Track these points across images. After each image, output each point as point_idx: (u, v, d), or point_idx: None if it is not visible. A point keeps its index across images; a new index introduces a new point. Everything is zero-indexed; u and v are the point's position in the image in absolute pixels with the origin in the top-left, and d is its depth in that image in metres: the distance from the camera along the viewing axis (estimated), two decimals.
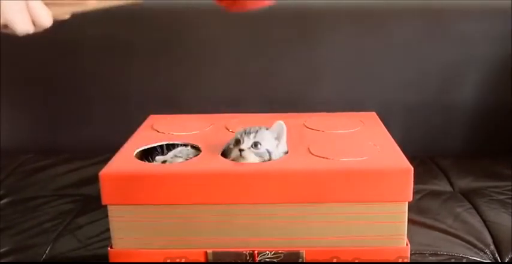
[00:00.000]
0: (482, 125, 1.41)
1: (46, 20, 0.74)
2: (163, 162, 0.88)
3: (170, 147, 0.93)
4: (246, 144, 0.85)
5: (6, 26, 0.71)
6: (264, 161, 0.85)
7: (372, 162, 0.83)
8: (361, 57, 1.40)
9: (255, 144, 0.85)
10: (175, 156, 0.89)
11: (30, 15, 0.72)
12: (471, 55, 1.38)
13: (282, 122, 0.88)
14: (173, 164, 0.87)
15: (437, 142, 1.43)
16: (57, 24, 0.76)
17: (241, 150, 0.84)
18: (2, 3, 0.70)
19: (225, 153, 0.88)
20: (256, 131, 0.87)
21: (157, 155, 0.91)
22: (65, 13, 0.77)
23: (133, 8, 1.42)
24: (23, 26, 0.71)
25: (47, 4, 0.74)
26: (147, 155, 0.92)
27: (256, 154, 0.85)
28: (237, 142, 0.86)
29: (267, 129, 0.88)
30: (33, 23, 0.73)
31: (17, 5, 0.71)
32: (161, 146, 0.93)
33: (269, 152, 0.85)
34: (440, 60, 1.39)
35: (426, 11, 1.38)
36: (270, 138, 0.87)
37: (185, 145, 0.92)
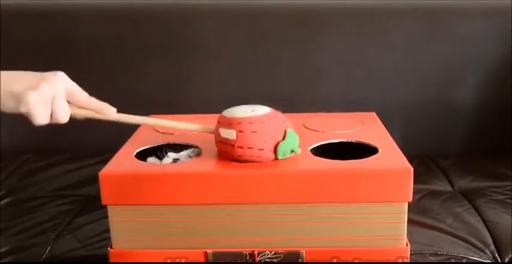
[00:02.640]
0: (482, 125, 1.41)
1: (64, 118, 0.77)
2: (175, 160, 0.88)
3: (170, 147, 0.93)
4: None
5: (24, 113, 0.74)
6: None
7: (371, 162, 0.83)
8: (361, 57, 1.40)
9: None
10: (189, 156, 0.89)
11: (52, 110, 0.75)
12: (471, 55, 1.38)
13: None
14: (173, 164, 0.87)
15: (437, 142, 1.43)
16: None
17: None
18: (31, 95, 0.72)
19: None
20: None
21: (158, 155, 0.91)
22: (83, 115, 0.81)
23: (133, 8, 1.43)
24: (41, 119, 0.74)
25: (69, 102, 0.78)
26: (147, 155, 0.92)
27: None
28: None
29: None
30: (51, 117, 0.76)
31: (44, 99, 0.74)
32: (161, 146, 0.93)
33: None
34: (440, 60, 1.39)
35: (426, 11, 1.38)
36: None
37: (196, 147, 0.93)
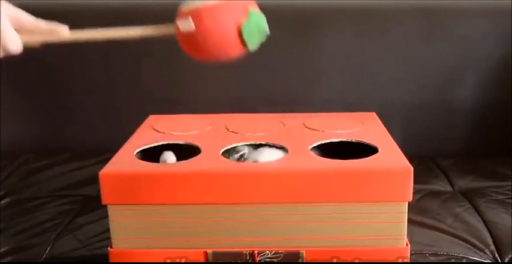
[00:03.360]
0: (482, 125, 1.41)
1: (16, 47, 0.73)
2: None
3: (170, 147, 0.93)
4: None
5: None
6: None
7: (371, 162, 0.83)
8: (361, 57, 1.40)
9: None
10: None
11: (2, 42, 0.71)
12: (471, 55, 1.38)
13: None
14: (172, 163, 0.87)
15: (437, 142, 1.43)
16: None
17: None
18: None
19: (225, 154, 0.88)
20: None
21: (157, 155, 0.91)
22: (36, 42, 0.76)
23: (134, 7, 1.43)
24: None
25: (18, 31, 0.73)
26: (147, 155, 0.92)
27: None
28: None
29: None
30: (3, 51, 0.72)
31: None
32: (162, 146, 0.93)
33: None
34: (440, 60, 1.39)
35: (426, 11, 1.38)
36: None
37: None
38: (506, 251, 0.98)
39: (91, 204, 1.15)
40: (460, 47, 1.38)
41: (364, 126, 1.00)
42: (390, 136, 0.95)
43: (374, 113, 1.08)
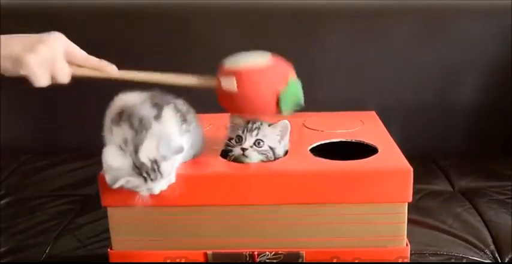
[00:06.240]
0: (482, 125, 1.41)
1: (65, 78, 0.77)
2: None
3: None
4: (249, 142, 0.84)
5: (25, 76, 0.73)
6: (268, 158, 0.85)
7: (371, 163, 0.83)
8: (361, 57, 1.40)
9: (258, 142, 0.84)
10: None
11: (52, 70, 0.75)
12: (471, 55, 1.38)
13: (287, 122, 0.86)
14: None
15: (437, 142, 1.42)
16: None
17: (244, 149, 0.84)
18: (30, 57, 0.72)
19: (224, 152, 0.88)
20: (259, 128, 0.85)
21: None
22: (84, 75, 0.81)
23: (134, 7, 1.43)
24: (42, 81, 0.75)
25: (69, 63, 0.78)
26: None
27: (259, 152, 0.84)
28: (239, 139, 0.85)
29: (269, 125, 0.86)
30: (52, 79, 0.76)
31: (43, 60, 0.74)
32: None
33: (272, 149, 0.85)
34: (440, 60, 1.39)
35: (426, 11, 1.38)
36: (273, 134, 0.86)
37: None
38: (506, 251, 0.98)
39: (91, 204, 1.15)
40: (460, 47, 1.38)
41: (364, 126, 1.00)
42: (390, 136, 0.95)
43: (374, 112, 1.08)
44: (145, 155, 0.73)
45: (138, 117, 0.75)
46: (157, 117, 0.77)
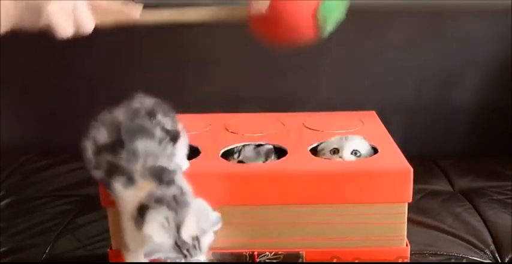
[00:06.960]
0: (482, 125, 1.41)
1: (89, 27, 0.73)
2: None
3: None
4: (347, 152, 0.86)
5: (46, 26, 0.69)
6: None
7: (371, 163, 0.83)
8: (360, 57, 1.40)
9: (355, 152, 0.86)
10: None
11: (75, 20, 0.71)
12: (471, 55, 1.38)
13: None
14: None
15: (437, 142, 1.42)
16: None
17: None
18: (50, 4, 0.68)
19: (225, 154, 0.88)
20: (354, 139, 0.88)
21: None
22: (107, 22, 0.77)
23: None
24: (64, 31, 0.70)
25: (92, 11, 0.73)
26: None
27: None
28: (335, 151, 0.87)
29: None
30: (75, 28, 0.72)
31: (65, 8, 0.69)
32: None
33: None
34: (440, 60, 1.39)
35: (426, 11, 1.38)
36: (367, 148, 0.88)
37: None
38: (506, 251, 0.98)
39: (91, 204, 1.15)
40: (460, 47, 1.38)
41: (363, 126, 1.00)
42: (390, 136, 0.95)
43: (373, 112, 1.08)
44: (187, 232, 0.71)
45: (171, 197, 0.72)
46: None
